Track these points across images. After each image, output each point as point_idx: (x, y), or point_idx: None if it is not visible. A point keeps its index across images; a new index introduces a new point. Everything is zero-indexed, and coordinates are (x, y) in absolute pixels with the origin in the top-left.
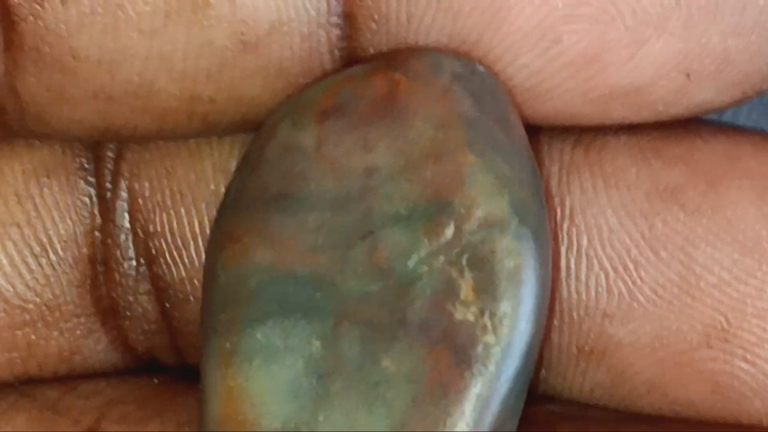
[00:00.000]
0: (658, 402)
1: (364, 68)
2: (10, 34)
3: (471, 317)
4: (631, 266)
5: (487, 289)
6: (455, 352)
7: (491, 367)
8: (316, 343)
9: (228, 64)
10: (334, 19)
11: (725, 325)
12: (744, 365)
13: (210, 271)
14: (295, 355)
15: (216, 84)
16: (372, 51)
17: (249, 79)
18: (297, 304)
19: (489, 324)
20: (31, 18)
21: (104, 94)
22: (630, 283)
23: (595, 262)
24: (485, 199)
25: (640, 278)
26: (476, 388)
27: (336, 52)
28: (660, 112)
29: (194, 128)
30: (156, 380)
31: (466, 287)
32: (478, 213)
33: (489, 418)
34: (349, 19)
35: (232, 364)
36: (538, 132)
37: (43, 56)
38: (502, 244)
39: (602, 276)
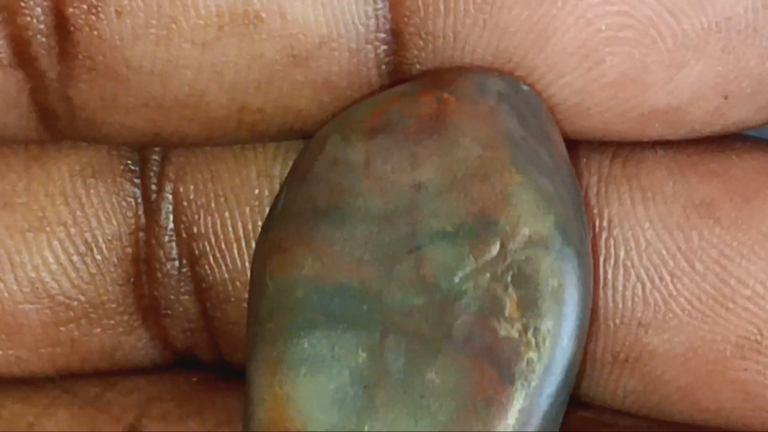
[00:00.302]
0: (689, 409)
1: (411, 87)
2: (65, 43)
3: (515, 333)
4: (667, 278)
5: (531, 306)
6: (499, 367)
7: (534, 383)
8: (362, 354)
9: (277, 76)
10: (382, 36)
11: (759, 337)
12: None
13: (257, 279)
14: (341, 365)
15: (265, 95)
16: (418, 67)
17: (297, 92)
18: (343, 314)
19: (533, 340)
20: (86, 28)
21: (155, 102)
22: (666, 294)
23: (632, 272)
24: (530, 218)
25: (676, 289)
26: (519, 403)
27: (383, 67)
28: (696, 130)
29: (242, 136)
30: (195, 378)
31: (510, 304)
32: (524, 231)
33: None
34: (396, 36)
35: (278, 372)
36: (576, 145)
37: (97, 65)
38: (546, 263)
39: (639, 286)
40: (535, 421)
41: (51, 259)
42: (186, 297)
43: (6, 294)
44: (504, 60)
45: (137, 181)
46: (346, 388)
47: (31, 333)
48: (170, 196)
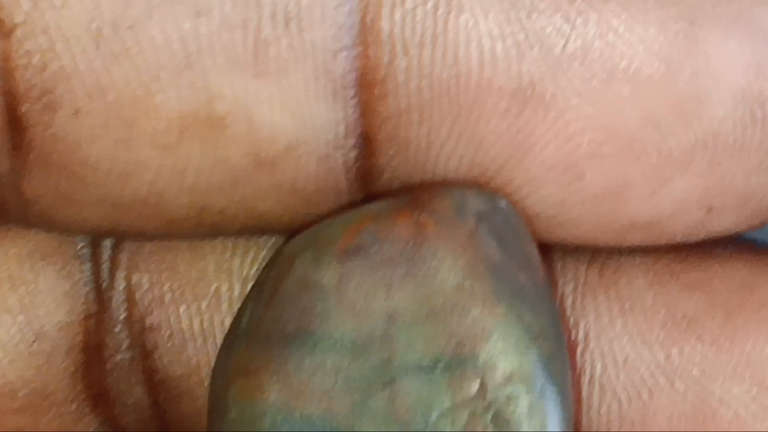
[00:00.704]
0: None
1: (387, 206)
2: (18, 140)
3: None
4: (645, 396)
5: None
6: None
7: None
8: None
9: (241, 180)
10: (352, 141)
11: None
12: None
13: (218, 401)
14: None
15: (228, 197)
16: (389, 174)
17: (262, 195)
18: None
19: None
20: (40, 127)
21: (112, 200)
22: (644, 413)
23: (608, 390)
24: (512, 354)
25: (654, 408)
26: None
27: (352, 172)
28: (678, 240)
29: (202, 232)
30: None
31: None
32: (504, 368)
33: None
34: (366, 141)
35: None
36: (550, 248)
37: (51, 162)
38: (527, 403)
39: (615, 403)
40: None
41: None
42: (137, 387)
43: None
44: (480, 171)
45: (88, 267)
46: None
47: None
48: (122, 286)
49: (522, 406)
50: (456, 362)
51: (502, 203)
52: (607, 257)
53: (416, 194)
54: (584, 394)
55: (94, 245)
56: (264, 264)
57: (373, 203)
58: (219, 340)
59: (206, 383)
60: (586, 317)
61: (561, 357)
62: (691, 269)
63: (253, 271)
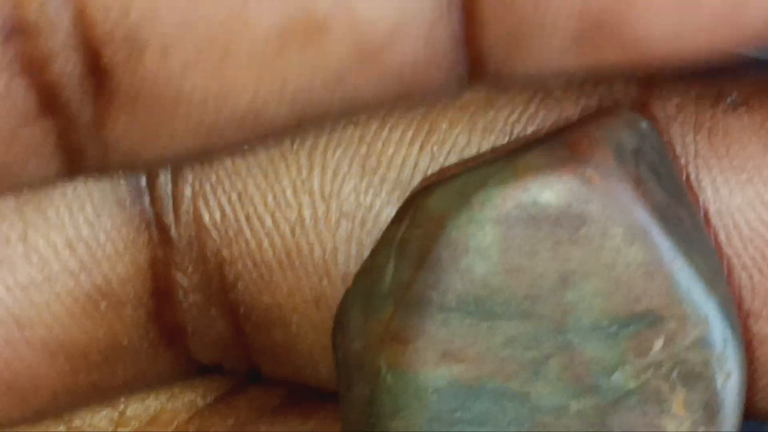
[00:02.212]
0: None
1: (545, 159)
2: (101, 87)
3: (684, 429)
4: None
5: (700, 404)
6: None
7: None
8: None
9: (344, 79)
10: (455, 13)
11: None
12: None
13: (362, 363)
14: None
15: (329, 99)
16: (492, 41)
17: (364, 87)
18: (484, 417)
19: None
20: (127, 71)
21: (207, 126)
22: None
23: (736, 263)
24: (696, 312)
25: None
26: None
27: (458, 45)
28: None
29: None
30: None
31: (676, 402)
32: (692, 329)
33: None
34: (469, 11)
35: None
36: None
37: (140, 102)
38: (714, 357)
39: (744, 276)
40: None
41: (62, 314)
42: (219, 322)
43: (17, 359)
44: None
45: (149, 209)
46: None
47: (48, 388)
48: (190, 221)
49: (710, 361)
50: (639, 325)
51: (644, 126)
52: (711, 120)
53: (573, 142)
54: None
55: (151, 184)
56: (397, 210)
57: (526, 152)
58: (310, 267)
59: (301, 310)
60: (704, 192)
61: (725, 284)
62: None
63: (336, 187)
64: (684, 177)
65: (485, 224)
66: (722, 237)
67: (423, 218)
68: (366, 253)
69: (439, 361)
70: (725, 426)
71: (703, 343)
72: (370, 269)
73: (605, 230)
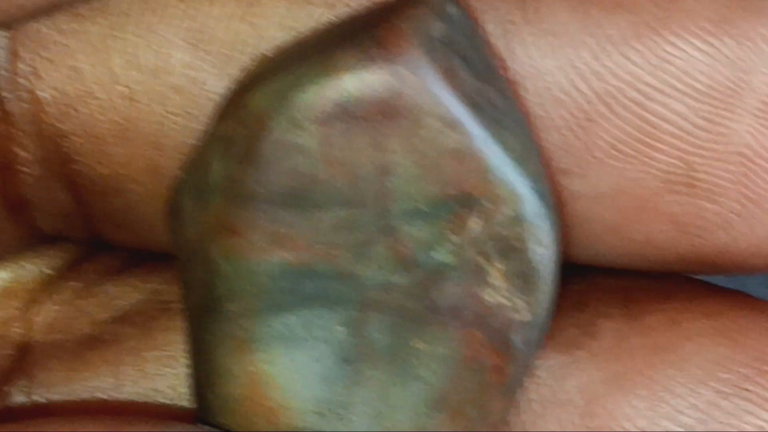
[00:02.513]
0: (617, 242)
1: (356, 59)
2: None
3: (503, 300)
4: (586, 124)
5: (518, 275)
6: (489, 333)
7: (528, 336)
8: (342, 330)
9: None
10: None
11: (687, 171)
12: (709, 204)
13: (197, 251)
14: (320, 343)
15: None
16: None
17: None
18: (316, 295)
19: (521, 303)
20: None
21: None
22: (586, 141)
23: (548, 123)
24: (509, 191)
25: (596, 134)
26: (515, 361)
27: None
28: None
29: None
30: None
31: (496, 274)
32: (504, 208)
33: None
34: None
35: (249, 350)
36: None
37: None
38: (528, 231)
39: (556, 136)
40: (526, 368)
41: None
42: (60, 193)
43: None
44: None
45: None
46: (328, 363)
47: None
48: (27, 96)
49: (522, 233)
50: (455, 206)
51: (453, 11)
52: None
53: (383, 37)
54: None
55: None
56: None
57: (338, 50)
58: (143, 139)
59: (137, 179)
60: (516, 55)
61: (535, 157)
62: None
63: (164, 62)
64: (497, 50)
65: (304, 124)
66: (534, 99)
67: (246, 117)
68: (197, 125)
69: (269, 248)
70: (542, 291)
71: (516, 219)
72: (199, 163)
73: (418, 121)
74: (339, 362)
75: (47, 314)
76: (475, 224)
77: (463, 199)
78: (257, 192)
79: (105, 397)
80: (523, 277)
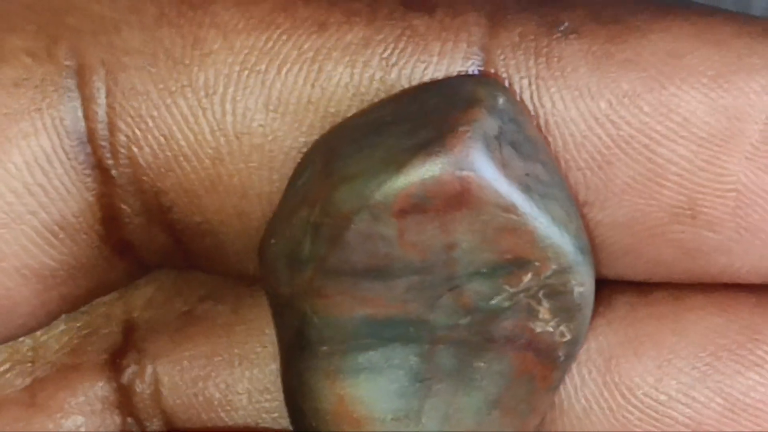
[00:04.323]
0: (633, 262)
1: (430, 165)
2: None
3: (550, 329)
4: (604, 165)
5: (562, 310)
6: (538, 353)
7: (570, 351)
8: (415, 359)
9: None
10: None
11: (689, 206)
12: (709, 233)
13: (293, 309)
14: (397, 369)
15: None
16: None
17: None
18: (393, 336)
19: (565, 330)
20: None
21: None
22: (604, 179)
23: (572, 165)
24: (555, 252)
25: (613, 173)
26: (559, 371)
27: None
28: None
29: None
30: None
31: (543, 311)
32: (552, 265)
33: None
34: None
35: (338, 379)
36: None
37: None
38: (572, 278)
39: (580, 175)
40: (571, 365)
41: (29, 245)
42: (161, 236)
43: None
44: None
45: (91, 155)
46: (404, 383)
47: (25, 305)
48: (127, 162)
49: (569, 282)
50: (510, 267)
51: (502, 102)
52: (548, 47)
53: (447, 143)
54: None
55: (91, 136)
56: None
57: (410, 156)
58: (230, 191)
59: (226, 224)
60: (544, 107)
61: (575, 214)
62: (625, 47)
63: (245, 126)
64: (523, 94)
65: (384, 217)
66: (560, 144)
67: (334, 211)
68: (276, 175)
69: (353, 308)
70: (582, 318)
71: (562, 271)
72: (291, 238)
73: (479, 209)
74: (412, 381)
75: (144, 294)
76: (527, 279)
77: (517, 262)
78: (342, 268)
79: (203, 364)
80: (566, 310)
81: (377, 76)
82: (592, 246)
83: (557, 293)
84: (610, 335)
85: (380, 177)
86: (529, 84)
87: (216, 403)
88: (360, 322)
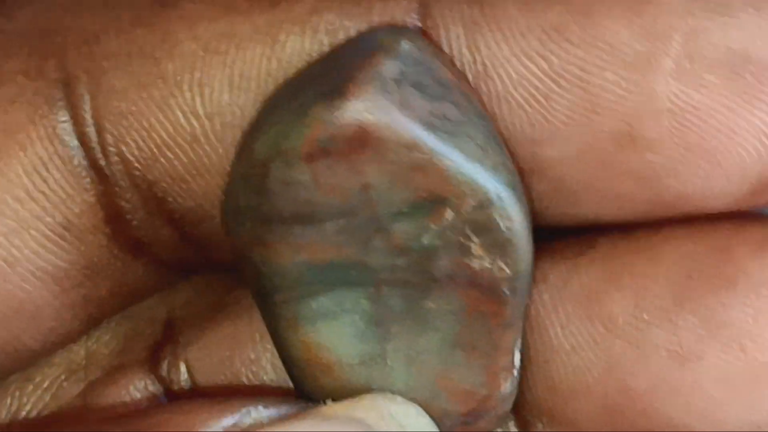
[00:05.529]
0: (595, 202)
1: (328, 109)
2: None
3: (487, 264)
4: (542, 100)
5: (493, 245)
6: (483, 290)
7: (515, 286)
8: (365, 302)
9: None
10: None
11: (629, 129)
12: (653, 156)
13: (247, 259)
14: (350, 314)
15: None
16: None
17: None
18: (337, 281)
19: (502, 265)
20: None
21: None
22: (546, 114)
23: (513, 103)
24: (470, 187)
25: (552, 107)
26: (509, 306)
27: None
28: None
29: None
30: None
31: (475, 247)
32: (470, 201)
33: (521, 311)
34: None
35: (298, 327)
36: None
37: None
38: (495, 212)
39: (522, 113)
40: (522, 304)
41: (38, 248)
42: (164, 229)
43: (17, 289)
44: None
45: (83, 158)
46: (360, 326)
47: (49, 307)
48: (117, 159)
49: (492, 216)
50: (429, 205)
51: (405, 47)
52: None
53: (343, 88)
54: (496, 111)
55: (82, 140)
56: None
57: (312, 104)
58: (213, 171)
59: (217, 205)
60: (480, 51)
61: (496, 148)
62: None
63: (214, 107)
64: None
65: (296, 163)
66: (499, 85)
67: (254, 161)
68: None
69: (292, 254)
70: (518, 252)
71: (482, 206)
72: (231, 192)
73: (383, 148)
74: (369, 325)
75: (183, 295)
76: (449, 215)
77: (434, 199)
78: (272, 216)
79: (228, 344)
80: (499, 245)
81: (326, 41)
82: (555, 187)
83: (484, 229)
84: (592, 272)
85: (289, 125)
86: (465, 31)
87: (243, 378)
88: (302, 267)
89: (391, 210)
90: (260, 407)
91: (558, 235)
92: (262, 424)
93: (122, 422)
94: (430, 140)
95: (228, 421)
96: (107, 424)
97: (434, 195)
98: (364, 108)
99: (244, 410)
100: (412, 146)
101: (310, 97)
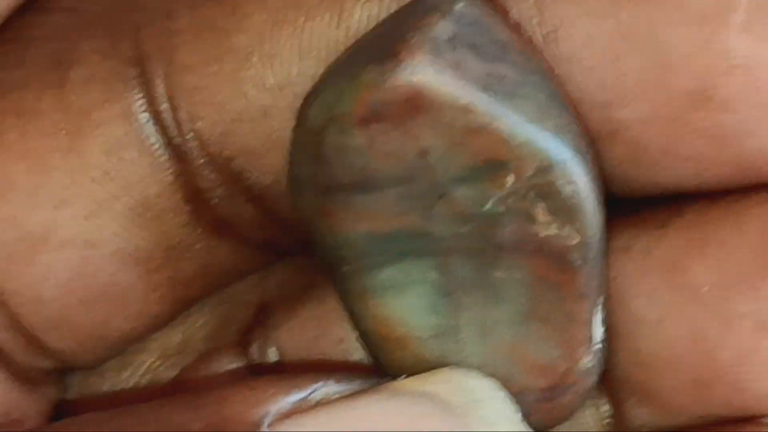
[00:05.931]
0: (672, 165)
1: (380, 74)
2: None
3: (554, 231)
4: (613, 60)
5: (559, 210)
6: (552, 258)
7: (587, 255)
8: (433, 273)
9: None
10: None
11: (703, 88)
12: (727, 115)
13: (315, 232)
14: (419, 284)
15: None
16: None
17: None
18: (403, 252)
19: (570, 230)
20: None
21: None
22: (617, 73)
23: (583, 63)
24: (530, 151)
25: (625, 67)
26: (581, 276)
27: None
28: None
29: None
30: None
31: (540, 213)
32: (530, 164)
33: (597, 282)
34: None
35: (367, 299)
36: None
37: None
38: (557, 175)
39: (592, 73)
40: (598, 275)
41: (119, 229)
42: (246, 206)
43: (100, 272)
44: None
45: (161, 136)
46: (431, 298)
47: (134, 290)
48: (193, 137)
49: (554, 181)
50: (489, 169)
51: (459, 8)
52: None
53: (395, 53)
54: (565, 74)
55: (157, 119)
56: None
57: (364, 69)
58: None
59: None
60: (546, 10)
61: (559, 109)
62: None
63: (284, 77)
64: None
65: (349, 129)
66: (567, 45)
67: (310, 128)
68: None
69: (355, 224)
70: (586, 217)
71: (542, 169)
72: (292, 162)
73: (436, 111)
74: (439, 296)
75: (277, 278)
76: (510, 179)
77: (494, 164)
78: (331, 185)
79: (316, 324)
80: (564, 211)
81: (393, 7)
82: (632, 152)
83: (548, 194)
84: (675, 241)
85: (342, 90)
86: (535, 3)
87: (332, 358)
88: (366, 237)
89: (451, 175)
90: (331, 382)
91: (643, 206)
92: (330, 400)
93: (187, 397)
94: (484, 102)
95: (297, 396)
96: (170, 399)
97: (493, 159)
98: (416, 70)
99: (314, 386)
100: (467, 109)
101: (363, 62)
